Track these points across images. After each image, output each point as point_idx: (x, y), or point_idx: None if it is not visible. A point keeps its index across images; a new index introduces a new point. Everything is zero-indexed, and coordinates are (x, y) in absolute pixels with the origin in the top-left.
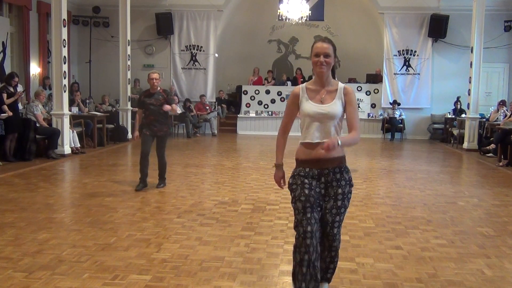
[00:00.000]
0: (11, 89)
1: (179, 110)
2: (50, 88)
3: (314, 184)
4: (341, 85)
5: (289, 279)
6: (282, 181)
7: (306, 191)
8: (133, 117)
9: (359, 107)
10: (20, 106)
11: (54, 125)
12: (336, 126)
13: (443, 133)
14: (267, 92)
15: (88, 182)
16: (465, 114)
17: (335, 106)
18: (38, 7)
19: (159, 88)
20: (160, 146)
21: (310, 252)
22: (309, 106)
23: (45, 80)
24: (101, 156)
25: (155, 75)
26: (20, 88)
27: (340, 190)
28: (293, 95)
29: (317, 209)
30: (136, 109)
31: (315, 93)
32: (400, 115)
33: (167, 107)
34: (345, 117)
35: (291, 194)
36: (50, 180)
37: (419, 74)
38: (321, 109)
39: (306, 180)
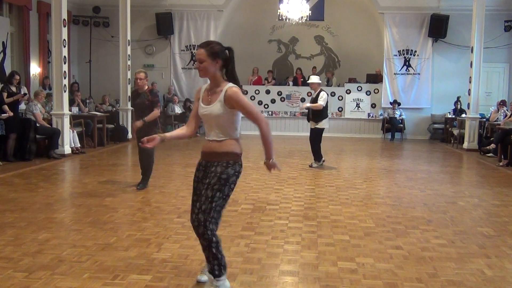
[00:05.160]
0: (13, 88)
1: (178, 110)
2: (50, 88)
3: (201, 176)
4: (226, 86)
5: (289, 279)
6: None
7: (195, 184)
8: (133, 117)
9: (359, 107)
10: (23, 106)
11: (54, 125)
12: (222, 125)
13: (443, 133)
14: (267, 92)
15: (88, 182)
16: (465, 114)
17: (215, 107)
18: (38, 7)
19: (146, 87)
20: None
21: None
22: (200, 107)
23: (44, 80)
24: (101, 156)
25: (140, 75)
26: (24, 90)
27: (206, 180)
28: (196, 92)
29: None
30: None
31: (207, 95)
32: (400, 115)
33: (137, 124)
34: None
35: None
36: (50, 180)
37: (419, 74)
38: (204, 110)
39: (196, 173)
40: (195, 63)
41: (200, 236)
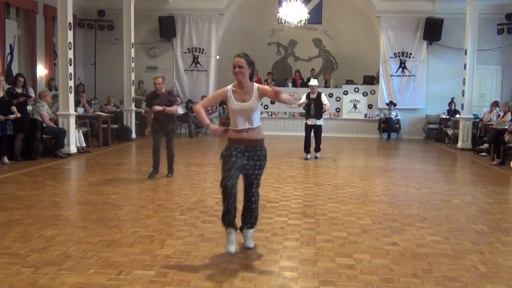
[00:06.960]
0: (18, 90)
1: (181, 111)
2: (55, 89)
3: (240, 156)
4: (256, 85)
5: (289, 274)
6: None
7: (233, 159)
8: (137, 118)
9: (356, 107)
10: (29, 107)
11: (60, 125)
12: (256, 115)
13: (438, 133)
14: None
15: (93, 180)
16: (459, 114)
17: (252, 103)
18: (45, 11)
19: (163, 90)
20: (168, 141)
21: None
22: (234, 104)
23: (50, 82)
24: (106, 155)
25: (158, 80)
26: (31, 92)
27: (258, 162)
28: (223, 90)
29: (238, 172)
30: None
31: (237, 94)
32: (396, 116)
33: (156, 107)
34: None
35: (222, 162)
36: (57, 179)
37: (414, 75)
38: (241, 106)
39: (234, 153)
40: (235, 68)
41: (248, 201)
